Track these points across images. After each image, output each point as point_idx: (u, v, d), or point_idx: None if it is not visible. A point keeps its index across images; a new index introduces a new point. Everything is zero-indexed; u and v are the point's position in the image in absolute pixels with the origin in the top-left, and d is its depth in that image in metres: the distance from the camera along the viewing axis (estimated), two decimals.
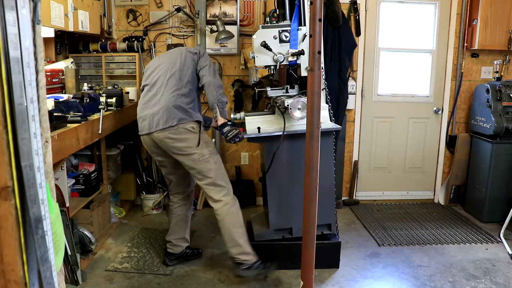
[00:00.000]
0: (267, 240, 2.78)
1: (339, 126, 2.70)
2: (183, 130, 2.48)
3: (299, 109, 2.48)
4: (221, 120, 2.54)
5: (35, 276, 0.73)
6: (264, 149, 2.69)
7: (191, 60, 2.61)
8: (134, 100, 3.70)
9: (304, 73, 2.60)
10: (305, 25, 2.58)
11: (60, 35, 3.41)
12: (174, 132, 2.47)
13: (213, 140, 3.96)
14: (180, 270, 2.80)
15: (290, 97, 2.62)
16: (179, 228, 2.86)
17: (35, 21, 0.73)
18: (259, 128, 2.62)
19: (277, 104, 2.61)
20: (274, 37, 2.54)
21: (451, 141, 4.14)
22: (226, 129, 2.54)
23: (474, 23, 3.82)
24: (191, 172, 2.61)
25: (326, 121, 2.66)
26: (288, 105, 2.48)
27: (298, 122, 2.55)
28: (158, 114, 2.50)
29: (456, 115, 4.14)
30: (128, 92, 3.44)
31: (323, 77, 2.52)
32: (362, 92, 4.05)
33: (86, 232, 2.82)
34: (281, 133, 2.55)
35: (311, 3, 1.77)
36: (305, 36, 2.55)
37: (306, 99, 2.43)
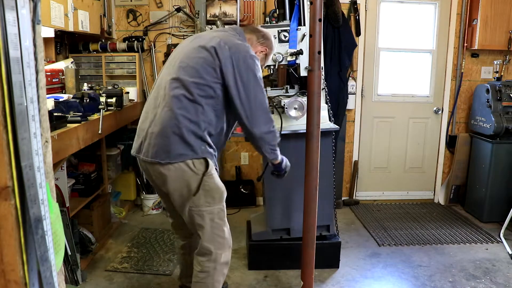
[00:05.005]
0: (265, 240, 2.78)
1: (337, 126, 2.70)
2: (178, 167, 1.79)
3: (295, 108, 2.48)
4: (276, 162, 2.05)
5: (35, 276, 0.73)
6: None
7: (203, 64, 1.77)
8: (134, 100, 3.70)
9: (303, 73, 2.60)
10: (304, 25, 2.58)
11: (60, 35, 3.41)
12: (165, 168, 1.80)
13: None
14: None
15: (289, 97, 2.62)
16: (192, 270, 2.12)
17: (35, 21, 0.73)
18: None
19: (274, 104, 2.61)
20: (273, 36, 2.54)
21: (451, 141, 4.14)
22: (283, 165, 2.10)
23: (474, 23, 3.82)
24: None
25: (325, 121, 2.66)
26: (284, 105, 2.48)
27: (297, 122, 2.55)
28: (151, 139, 1.81)
29: (456, 115, 4.14)
30: (128, 92, 3.45)
31: (323, 77, 2.52)
32: (362, 92, 4.04)
33: (86, 232, 2.82)
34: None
35: (311, 3, 1.78)
36: (304, 36, 2.55)
37: (303, 99, 2.45)
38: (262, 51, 2.05)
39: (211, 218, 1.88)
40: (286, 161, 2.09)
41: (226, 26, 2.04)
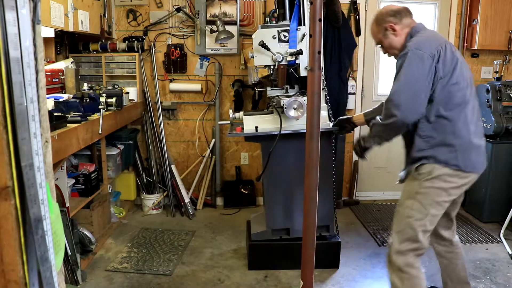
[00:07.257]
0: (265, 240, 2.78)
1: (336, 127, 2.70)
2: None
3: (294, 108, 2.47)
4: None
5: (35, 276, 0.73)
6: (262, 149, 2.69)
7: None
8: (134, 100, 3.70)
9: (303, 73, 2.60)
10: (304, 25, 2.58)
11: (60, 35, 3.41)
12: None
13: (213, 140, 3.96)
14: (180, 270, 2.80)
15: (289, 97, 2.62)
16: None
17: (35, 21, 0.73)
18: (256, 127, 2.63)
19: (274, 104, 2.61)
20: (273, 37, 2.54)
21: None
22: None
23: (474, 23, 3.82)
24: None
25: (325, 121, 2.67)
26: (283, 105, 2.48)
27: (296, 122, 2.55)
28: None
29: None
30: (128, 92, 3.45)
31: (323, 77, 2.52)
32: (362, 92, 4.04)
33: (86, 232, 2.82)
34: (277, 132, 2.55)
35: (311, 3, 1.77)
36: (304, 36, 2.55)
37: (302, 99, 2.45)
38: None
39: None
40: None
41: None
